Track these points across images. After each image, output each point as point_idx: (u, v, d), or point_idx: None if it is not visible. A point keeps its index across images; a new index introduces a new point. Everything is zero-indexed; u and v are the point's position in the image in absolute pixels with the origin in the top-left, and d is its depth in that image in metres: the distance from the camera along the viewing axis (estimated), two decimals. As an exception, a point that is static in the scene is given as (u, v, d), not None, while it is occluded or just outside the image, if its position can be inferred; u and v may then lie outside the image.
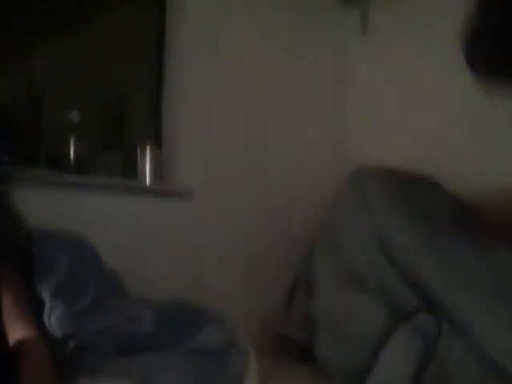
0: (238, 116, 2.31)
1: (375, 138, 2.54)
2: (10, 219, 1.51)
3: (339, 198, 2.08)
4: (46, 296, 1.42)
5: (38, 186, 1.77)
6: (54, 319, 1.39)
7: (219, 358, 1.48)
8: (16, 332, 1.26)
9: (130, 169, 2.13)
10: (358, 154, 2.53)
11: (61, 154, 1.93)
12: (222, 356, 1.49)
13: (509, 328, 1.60)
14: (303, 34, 2.55)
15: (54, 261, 1.47)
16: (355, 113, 2.65)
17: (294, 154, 2.46)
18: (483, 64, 1.06)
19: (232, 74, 2.31)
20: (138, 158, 2.09)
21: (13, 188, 1.65)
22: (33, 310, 1.36)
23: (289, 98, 2.48)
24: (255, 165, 2.35)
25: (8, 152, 1.88)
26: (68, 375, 1.29)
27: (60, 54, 2.29)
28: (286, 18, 2.47)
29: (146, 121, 2.33)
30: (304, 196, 2.42)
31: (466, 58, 1.05)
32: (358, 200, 1.96)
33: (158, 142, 2.22)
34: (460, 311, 1.68)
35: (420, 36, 2.41)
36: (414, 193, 1.95)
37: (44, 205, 1.74)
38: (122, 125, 2.36)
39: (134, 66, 2.36)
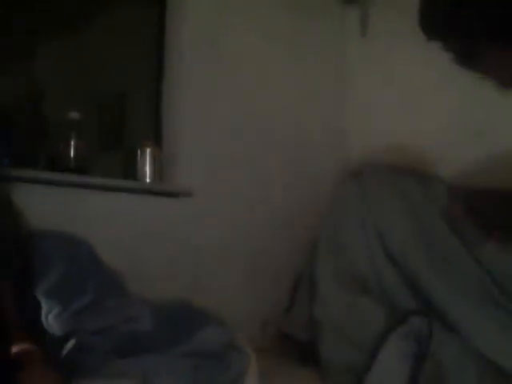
0: (238, 116, 2.31)
1: (375, 138, 2.54)
2: (9, 219, 1.51)
3: (339, 197, 2.08)
4: (42, 297, 1.42)
5: (38, 185, 1.77)
6: (51, 318, 1.39)
7: (219, 360, 1.47)
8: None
9: (130, 168, 2.13)
10: (358, 154, 2.53)
11: (61, 153, 1.92)
12: (222, 357, 1.49)
13: (505, 331, 1.60)
14: (303, 34, 2.54)
15: (52, 261, 1.48)
16: (355, 113, 2.65)
17: (294, 153, 2.46)
18: (433, 31, 1.36)
19: (232, 74, 2.31)
20: (138, 158, 2.09)
21: (13, 188, 1.65)
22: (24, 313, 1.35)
23: (289, 98, 2.48)
24: (255, 165, 2.34)
25: (8, 152, 1.88)
26: (67, 377, 1.29)
27: (60, 54, 2.28)
28: (286, 18, 2.47)
29: (146, 121, 2.33)
30: (304, 196, 2.42)
31: (420, 26, 1.36)
32: (357, 199, 1.96)
33: (158, 142, 2.22)
34: (457, 314, 1.68)
35: (420, 37, 2.40)
36: (414, 190, 1.94)
37: (44, 205, 1.74)
38: (122, 125, 2.35)
39: (134, 66, 2.36)
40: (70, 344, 1.42)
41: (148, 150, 2.07)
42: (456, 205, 1.87)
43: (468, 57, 1.36)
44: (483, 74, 1.42)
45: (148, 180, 2.07)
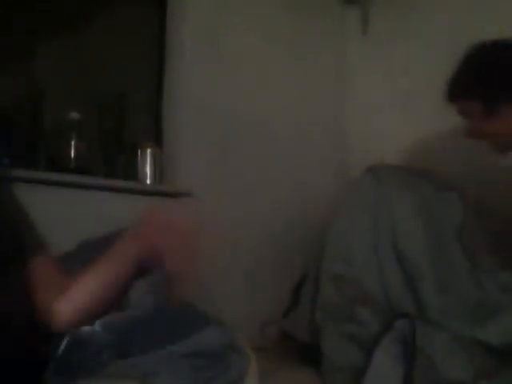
0: (237, 116, 2.31)
1: (375, 138, 2.54)
2: (7, 219, 1.50)
3: (354, 191, 2.04)
4: None
5: (38, 186, 1.77)
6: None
7: (219, 360, 1.47)
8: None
9: (131, 169, 2.13)
10: (358, 154, 2.53)
11: (61, 154, 1.92)
12: (222, 358, 1.49)
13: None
14: (303, 34, 2.54)
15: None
16: (355, 113, 2.65)
17: (295, 154, 2.46)
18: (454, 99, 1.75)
19: (232, 74, 2.31)
20: (139, 159, 2.09)
21: (13, 188, 1.65)
22: None
23: (289, 98, 2.48)
24: (256, 165, 2.34)
25: (8, 152, 1.88)
26: (67, 377, 1.29)
27: (60, 54, 2.28)
28: (286, 18, 2.47)
29: (146, 121, 2.33)
30: (305, 196, 2.42)
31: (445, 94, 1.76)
32: (378, 200, 1.92)
33: (158, 142, 2.22)
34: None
35: (420, 36, 2.41)
36: (428, 193, 1.92)
37: (44, 205, 1.74)
38: (122, 125, 2.35)
39: (134, 65, 2.36)
40: (69, 343, 1.43)
41: (148, 151, 2.07)
42: (471, 224, 1.87)
43: (491, 111, 1.66)
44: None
45: (148, 181, 2.07)
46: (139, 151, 2.08)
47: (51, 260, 1.28)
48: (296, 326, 1.97)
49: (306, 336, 1.90)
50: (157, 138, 2.24)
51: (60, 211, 1.78)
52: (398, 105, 2.47)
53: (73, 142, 1.88)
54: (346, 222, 1.94)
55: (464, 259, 1.79)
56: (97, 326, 1.49)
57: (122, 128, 2.34)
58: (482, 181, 2.15)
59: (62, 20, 2.24)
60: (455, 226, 1.85)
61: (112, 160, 2.22)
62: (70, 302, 1.12)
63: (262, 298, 2.23)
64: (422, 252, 1.79)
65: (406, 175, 1.98)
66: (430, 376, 1.53)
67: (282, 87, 2.45)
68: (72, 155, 1.89)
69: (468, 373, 1.54)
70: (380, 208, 1.88)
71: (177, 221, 1.01)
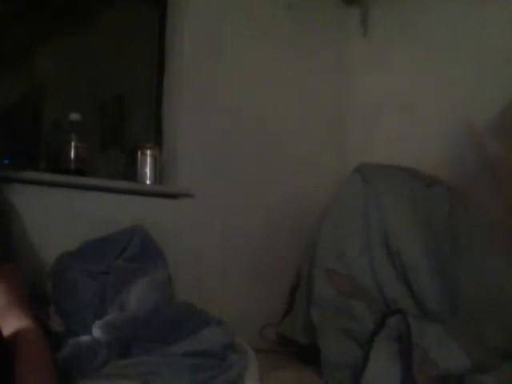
0: (238, 116, 2.31)
1: (375, 139, 2.54)
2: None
3: (341, 191, 2.05)
4: None
5: (38, 187, 1.77)
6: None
7: (219, 360, 1.48)
8: (10, 322, 1.23)
9: (130, 169, 2.13)
10: (358, 155, 2.52)
11: (61, 154, 1.92)
12: (222, 358, 1.49)
13: None
14: (303, 34, 2.54)
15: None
16: (355, 113, 2.65)
17: (295, 154, 2.46)
18: None
19: (232, 75, 2.31)
20: (139, 159, 2.09)
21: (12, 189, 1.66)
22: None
23: (289, 99, 2.48)
24: (255, 165, 2.34)
25: (8, 153, 1.89)
26: (68, 377, 1.30)
27: (60, 54, 2.29)
28: (286, 19, 2.47)
29: (146, 121, 2.33)
30: (305, 197, 2.42)
31: None
32: (360, 191, 1.93)
33: (158, 143, 2.22)
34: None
35: (420, 36, 2.41)
36: (416, 187, 1.93)
37: (44, 206, 1.75)
38: (122, 125, 2.35)
39: (134, 66, 2.36)
40: (71, 343, 1.43)
41: (148, 151, 2.07)
42: (459, 210, 1.87)
43: None
44: None
45: (148, 181, 2.07)
46: (139, 152, 2.08)
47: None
48: (293, 329, 1.97)
49: (303, 338, 1.90)
50: (157, 138, 2.24)
51: (60, 212, 1.79)
52: (398, 105, 2.47)
53: (73, 143, 1.88)
54: (337, 222, 1.95)
55: (455, 250, 1.80)
56: (97, 326, 1.49)
57: (121, 128, 2.34)
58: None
59: (62, 20, 2.25)
60: (444, 215, 1.86)
61: (112, 160, 2.22)
62: None
63: (262, 299, 2.22)
64: (416, 248, 1.80)
65: (393, 173, 1.99)
66: (427, 369, 1.54)
67: (282, 88, 2.45)
68: (72, 156, 1.89)
69: (465, 364, 1.55)
70: (370, 207, 1.90)
71: None
